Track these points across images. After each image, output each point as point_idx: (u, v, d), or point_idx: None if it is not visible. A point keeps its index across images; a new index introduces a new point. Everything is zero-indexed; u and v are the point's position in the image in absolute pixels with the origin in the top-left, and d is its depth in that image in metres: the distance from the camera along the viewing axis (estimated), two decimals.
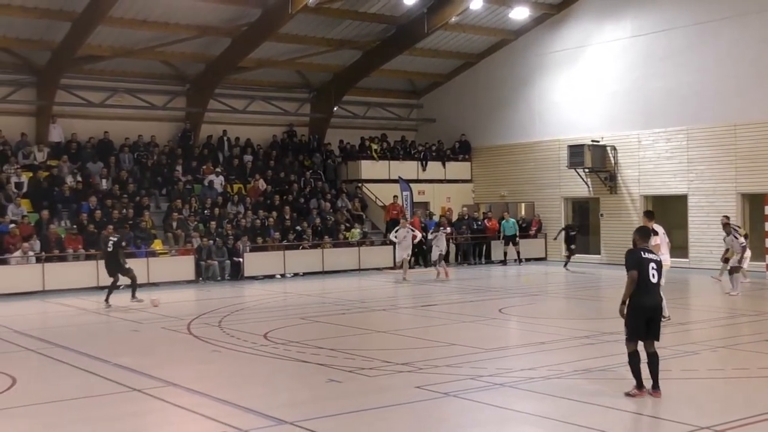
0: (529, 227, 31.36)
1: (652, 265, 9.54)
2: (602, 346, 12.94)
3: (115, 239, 19.65)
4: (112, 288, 19.43)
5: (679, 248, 27.07)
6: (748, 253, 19.77)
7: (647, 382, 9.55)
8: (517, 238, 30.43)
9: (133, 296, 19.54)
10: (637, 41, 28.48)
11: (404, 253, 24.57)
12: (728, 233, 20.33)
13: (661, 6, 27.86)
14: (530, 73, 31.95)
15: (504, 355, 12.60)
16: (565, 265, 28.01)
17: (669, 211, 27.72)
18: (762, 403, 9.37)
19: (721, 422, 8.48)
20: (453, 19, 29.21)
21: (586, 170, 29.42)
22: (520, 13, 29.67)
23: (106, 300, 19.12)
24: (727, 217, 21.76)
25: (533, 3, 29.73)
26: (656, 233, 14.85)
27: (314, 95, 33.69)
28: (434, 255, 25.50)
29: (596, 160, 28.93)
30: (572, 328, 14.93)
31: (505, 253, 30.42)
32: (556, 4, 30.56)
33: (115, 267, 19.47)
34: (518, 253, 30.40)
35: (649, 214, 15.44)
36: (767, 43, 25.04)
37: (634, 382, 9.56)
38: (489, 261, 30.80)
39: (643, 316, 9.49)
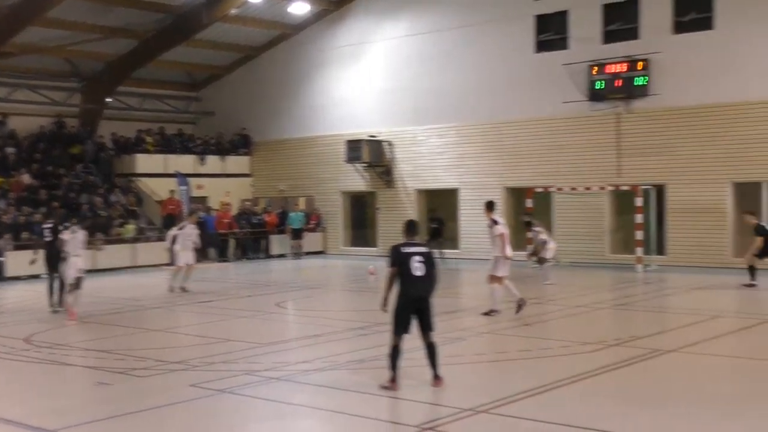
0: (309, 221, 31.65)
1: (417, 258, 9.70)
2: (376, 336, 13.25)
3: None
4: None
5: (452, 240, 28.45)
6: (551, 245, 20.81)
7: (412, 372, 9.80)
8: (304, 232, 30.64)
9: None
10: (410, 40, 29.50)
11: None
12: (530, 229, 21.45)
13: (433, 8, 29.01)
14: (311, 68, 32.21)
15: (280, 349, 12.62)
16: None
17: (442, 204, 29.00)
18: (519, 383, 10.02)
19: (482, 403, 8.97)
20: (232, 11, 28.91)
21: (364, 165, 30.12)
22: (299, 8, 29.86)
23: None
24: (529, 222, 22.21)
25: None
26: (497, 223, 15.32)
27: (85, 85, 32.08)
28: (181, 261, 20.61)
29: (373, 155, 29.69)
30: (348, 320, 15.24)
31: (292, 246, 30.51)
32: (335, 1, 30.99)
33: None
34: (300, 246, 30.59)
35: (489, 205, 15.82)
36: (524, 46, 26.81)
37: (392, 373, 9.65)
38: (269, 255, 30.79)
39: (408, 308, 9.68)
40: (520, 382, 10.08)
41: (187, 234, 20.72)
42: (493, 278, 15.16)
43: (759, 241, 18.73)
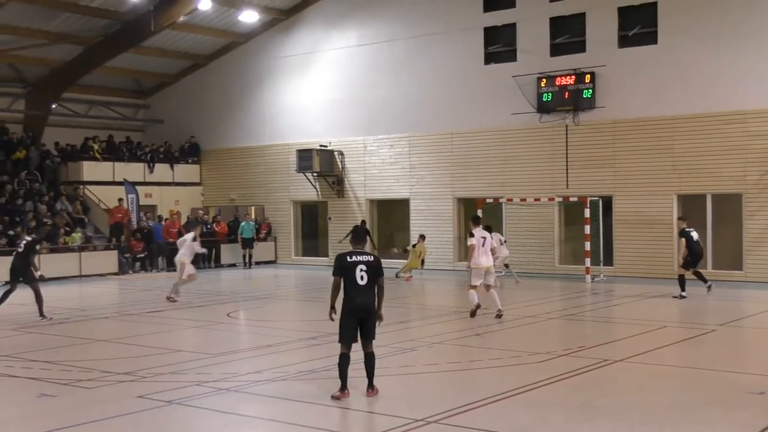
0: (260, 230, 31.44)
1: (361, 267, 9.68)
2: (327, 346, 13.16)
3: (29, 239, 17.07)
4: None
5: (404, 251, 28.48)
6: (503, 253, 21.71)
7: (361, 382, 9.79)
8: (255, 242, 30.44)
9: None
10: (360, 50, 29.54)
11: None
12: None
13: (382, 19, 29.10)
14: (261, 76, 32.07)
15: (230, 359, 12.48)
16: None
17: (393, 214, 29.05)
18: (471, 393, 10.04)
19: (433, 413, 8.96)
20: (181, 19, 28.67)
21: (315, 174, 30.04)
22: (249, 17, 29.70)
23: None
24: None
25: (263, 7, 29.88)
26: (472, 235, 15.54)
27: (30, 91, 31.48)
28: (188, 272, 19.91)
29: (324, 165, 29.63)
30: (299, 330, 15.15)
31: (244, 256, 30.29)
32: (285, 10, 30.92)
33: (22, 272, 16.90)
34: (250, 256, 30.38)
35: (475, 220, 16.35)
36: (473, 58, 27.01)
37: (343, 382, 9.65)
38: (219, 265, 30.49)
39: (353, 317, 9.67)
40: (471, 393, 10.10)
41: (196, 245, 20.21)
42: (471, 287, 15.83)
43: (683, 242, 19.23)
